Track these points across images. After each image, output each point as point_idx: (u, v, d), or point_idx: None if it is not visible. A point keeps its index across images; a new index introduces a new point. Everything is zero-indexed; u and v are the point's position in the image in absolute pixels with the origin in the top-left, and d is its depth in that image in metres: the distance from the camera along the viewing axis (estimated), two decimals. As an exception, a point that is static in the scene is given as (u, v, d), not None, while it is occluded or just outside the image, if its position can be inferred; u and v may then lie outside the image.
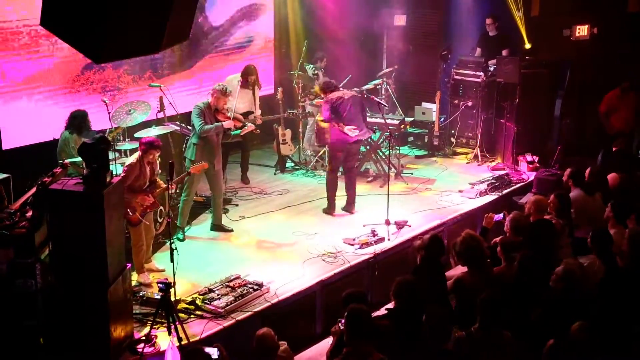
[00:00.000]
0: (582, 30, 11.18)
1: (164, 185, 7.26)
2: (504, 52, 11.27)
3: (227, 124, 8.41)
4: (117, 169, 7.98)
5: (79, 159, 6.51)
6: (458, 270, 6.56)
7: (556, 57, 11.07)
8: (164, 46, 3.81)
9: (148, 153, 7.12)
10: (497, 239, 6.80)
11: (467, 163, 11.17)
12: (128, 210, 6.95)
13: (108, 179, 5.69)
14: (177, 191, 8.63)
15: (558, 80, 11.08)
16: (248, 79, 9.87)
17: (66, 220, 5.60)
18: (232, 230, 8.48)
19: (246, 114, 9.70)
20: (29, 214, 6.13)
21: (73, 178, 5.82)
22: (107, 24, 3.40)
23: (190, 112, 8.38)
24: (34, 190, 6.21)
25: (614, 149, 9.80)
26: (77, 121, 7.86)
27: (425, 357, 5.10)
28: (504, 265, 6.42)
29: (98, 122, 8.46)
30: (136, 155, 7.20)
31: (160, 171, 7.59)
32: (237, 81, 9.81)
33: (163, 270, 7.13)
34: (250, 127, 9.05)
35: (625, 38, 11.10)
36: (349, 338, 4.90)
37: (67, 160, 7.06)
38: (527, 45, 11.22)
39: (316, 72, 11.26)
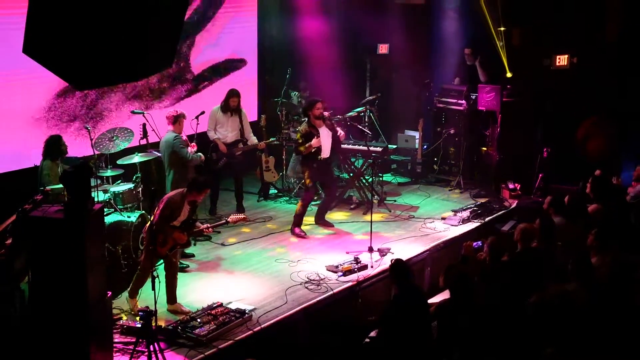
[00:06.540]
0: (562, 60, 11.34)
1: (202, 227, 7.38)
2: (482, 78, 11.39)
3: (198, 157, 8.67)
4: (99, 196, 7.94)
5: (60, 185, 6.46)
6: (442, 296, 6.56)
7: (537, 86, 11.21)
8: (147, 73, 3.83)
9: (200, 194, 7.15)
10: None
11: (449, 190, 11.22)
12: (159, 241, 6.93)
13: (89, 207, 5.65)
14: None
15: (539, 108, 11.21)
16: (230, 102, 9.67)
17: (47, 248, 5.53)
18: (187, 267, 8.20)
19: (235, 143, 9.71)
20: (9, 241, 6.07)
21: (54, 205, 5.76)
22: (89, 51, 3.41)
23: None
24: (14, 217, 6.16)
25: (594, 175, 9.87)
26: (51, 147, 7.81)
27: None
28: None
29: (80, 149, 8.43)
30: (182, 191, 7.18)
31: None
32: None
33: (189, 312, 7.00)
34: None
35: (604, 68, 11.27)
36: None
37: (47, 187, 7.01)
38: (508, 74, 11.35)
39: (300, 99, 11.30)
